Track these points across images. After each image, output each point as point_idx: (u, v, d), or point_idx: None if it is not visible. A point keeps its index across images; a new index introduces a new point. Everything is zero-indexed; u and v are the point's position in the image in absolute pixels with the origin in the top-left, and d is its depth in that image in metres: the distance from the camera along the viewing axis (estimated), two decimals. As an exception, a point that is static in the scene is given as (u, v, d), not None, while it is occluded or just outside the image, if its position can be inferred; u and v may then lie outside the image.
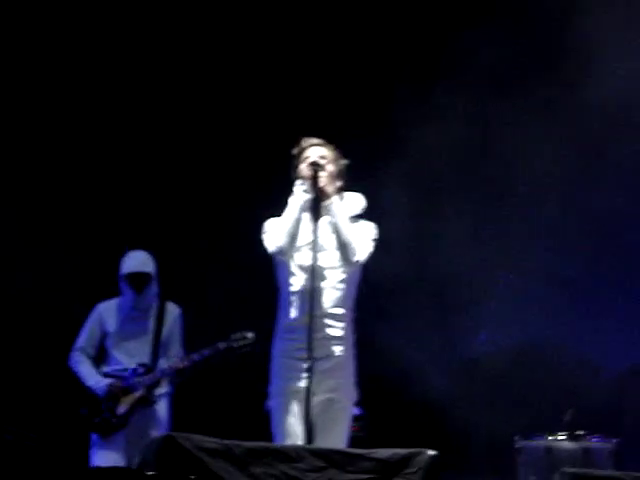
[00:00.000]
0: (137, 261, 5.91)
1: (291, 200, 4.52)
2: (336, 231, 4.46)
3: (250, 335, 5.60)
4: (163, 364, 5.84)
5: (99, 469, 4.80)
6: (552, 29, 6.74)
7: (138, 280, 5.89)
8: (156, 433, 5.57)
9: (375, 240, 4.58)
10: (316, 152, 4.58)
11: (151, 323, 5.96)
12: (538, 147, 6.70)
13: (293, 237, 4.46)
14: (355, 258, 4.46)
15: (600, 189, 6.63)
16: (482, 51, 6.61)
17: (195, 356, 5.72)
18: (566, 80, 6.56)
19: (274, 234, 4.49)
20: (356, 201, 4.67)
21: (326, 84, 7.18)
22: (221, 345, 5.63)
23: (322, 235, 4.48)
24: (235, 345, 5.60)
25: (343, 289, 4.50)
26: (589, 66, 6.36)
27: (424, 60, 7.13)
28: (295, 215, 4.46)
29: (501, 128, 6.76)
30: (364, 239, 4.53)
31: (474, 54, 6.66)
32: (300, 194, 4.47)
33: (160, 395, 5.86)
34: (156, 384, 5.80)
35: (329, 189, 4.50)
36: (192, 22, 7.26)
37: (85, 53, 7.18)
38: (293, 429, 4.28)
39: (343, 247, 4.45)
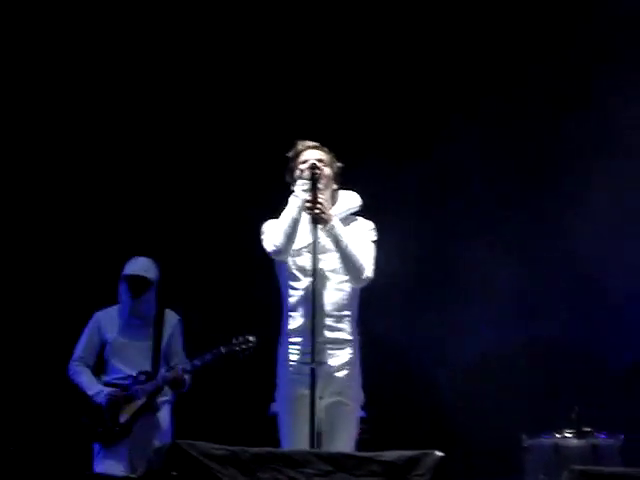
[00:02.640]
0: (139, 265, 5.88)
1: (290, 200, 4.47)
2: (342, 255, 4.40)
3: (252, 339, 5.57)
4: (164, 372, 5.80)
5: (101, 477, 4.80)
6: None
7: (137, 284, 5.84)
8: (159, 441, 5.55)
9: (375, 242, 4.54)
10: (313, 155, 4.56)
11: (150, 331, 5.92)
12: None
13: (290, 237, 4.42)
14: (364, 276, 4.43)
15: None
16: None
17: (197, 362, 5.69)
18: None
19: (272, 235, 4.45)
20: (352, 199, 4.64)
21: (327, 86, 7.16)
22: (223, 349, 5.59)
23: (322, 237, 4.43)
24: (237, 349, 5.56)
25: (347, 290, 4.47)
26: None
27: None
28: (293, 215, 4.42)
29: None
30: (368, 251, 4.49)
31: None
32: (299, 194, 4.44)
33: (162, 402, 5.83)
34: (158, 391, 5.76)
35: (327, 214, 4.42)
36: (198, 23, 7.21)
37: (87, 56, 7.14)
38: (300, 434, 4.23)
39: (351, 269, 4.41)
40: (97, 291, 6.26)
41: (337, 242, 4.40)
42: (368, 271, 4.44)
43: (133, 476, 5.10)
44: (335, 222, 4.42)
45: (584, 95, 6.70)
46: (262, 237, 4.54)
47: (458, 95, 7.06)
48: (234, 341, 5.58)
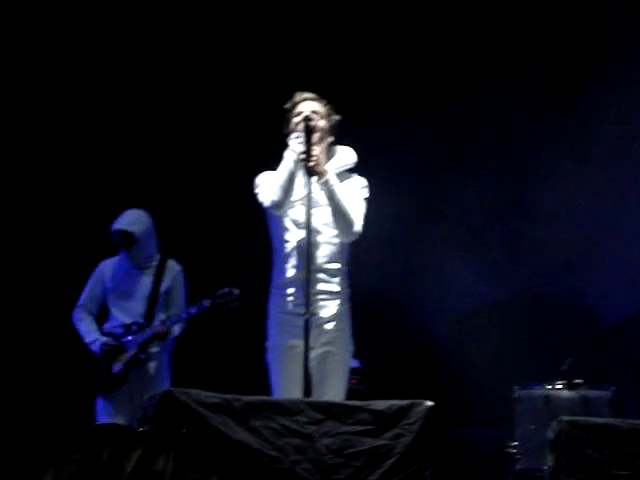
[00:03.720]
0: (125, 219, 5.88)
1: (285, 153, 4.48)
2: (334, 209, 4.41)
3: (236, 291, 5.62)
4: (157, 322, 5.83)
5: (100, 426, 4.84)
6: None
7: (125, 238, 5.87)
8: (155, 389, 5.57)
9: (367, 199, 4.54)
10: (308, 106, 4.54)
11: (149, 280, 5.94)
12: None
13: (288, 190, 4.41)
14: (353, 230, 4.44)
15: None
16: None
17: (183, 314, 5.74)
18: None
19: (268, 188, 4.45)
20: (348, 155, 4.62)
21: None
22: (206, 302, 5.64)
23: (316, 190, 4.44)
24: (221, 301, 5.61)
25: (338, 243, 4.49)
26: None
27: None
28: (290, 168, 4.41)
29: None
30: (359, 207, 4.49)
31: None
32: (294, 147, 4.43)
33: (155, 352, 5.85)
34: (148, 342, 5.78)
35: (322, 166, 4.41)
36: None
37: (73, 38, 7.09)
38: (291, 382, 4.28)
39: (341, 224, 4.42)
40: (102, 242, 6.28)
41: (330, 195, 4.40)
42: (357, 226, 4.45)
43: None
44: (330, 176, 4.41)
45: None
46: (256, 190, 4.53)
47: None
48: (218, 293, 5.62)
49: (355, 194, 4.52)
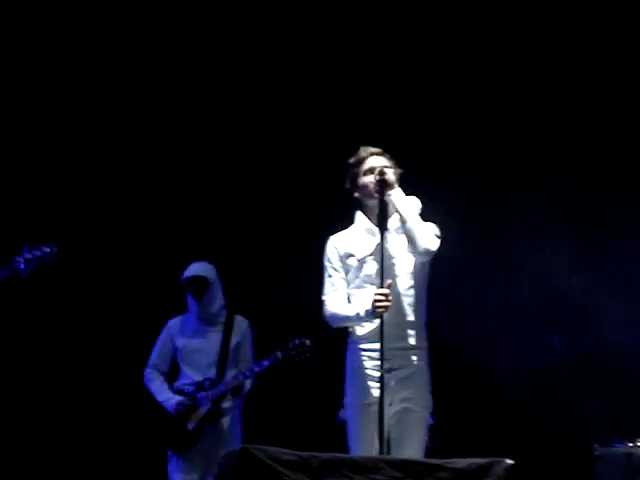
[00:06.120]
0: (196, 267, 5.96)
1: (355, 307, 4.41)
2: (404, 218, 4.38)
3: (308, 342, 5.60)
4: (230, 378, 5.84)
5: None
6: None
7: (197, 285, 5.92)
8: (228, 446, 5.58)
9: (439, 237, 4.49)
10: (378, 162, 4.55)
11: (219, 336, 5.97)
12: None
13: (343, 325, 4.49)
14: (425, 245, 4.36)
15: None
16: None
17: (255, 367, 5.73)
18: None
19: (333, 307, 4.47)
20: (414, 203, 4.60)
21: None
22: (279, 354, 5.62)
23: (388, 243, 4.42)
24: (293, 353, 5.59)
25: (413, 295, 4.45)
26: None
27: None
28: (359, 318, 4.36)
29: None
30: (431, 230, 4.45)
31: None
32: (374, 305, 4.28)
33: (228, 408, 5.85)
34: (222, 398, 5.79)
35: (395, 181, 4.44)
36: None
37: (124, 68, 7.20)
38: (369, 440, 4.22)
39: (412, 234, 4.37)
40: (171, 300, 6.32)
41: (402, 207, 4.39)
42: (429, 243, 4.37)
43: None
44: (399, 191, 4.43)
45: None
46: (325, 299, 4.53)
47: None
48: (290, 345, 5.60)
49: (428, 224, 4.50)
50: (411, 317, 4.43)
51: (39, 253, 5.15)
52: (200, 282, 5.92)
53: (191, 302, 6.00)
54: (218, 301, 6.01)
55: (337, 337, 4.63)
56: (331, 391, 4.90)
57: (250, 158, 7.29)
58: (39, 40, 7.01)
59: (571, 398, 6.48)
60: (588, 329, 6.70)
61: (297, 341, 5.60)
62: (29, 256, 5.12)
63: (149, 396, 5.99)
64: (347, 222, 4.64)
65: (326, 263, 4.56)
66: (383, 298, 4.24)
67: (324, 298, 4.53)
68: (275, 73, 7.19)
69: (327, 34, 7.04)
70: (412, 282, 4.46)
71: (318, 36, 7.04)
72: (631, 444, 5.47)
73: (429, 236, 4.39)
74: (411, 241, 4.39)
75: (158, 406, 5.90)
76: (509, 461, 3.50)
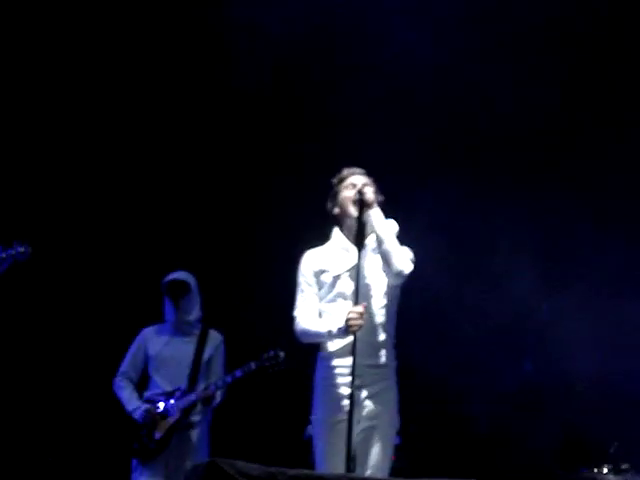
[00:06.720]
0: (177, 273, 5.99)
1: (327, 323, 4.43)
2: (381, 239, 4.41)
3: (282, 354, 5.59)
4: (200, 389, 5.82)
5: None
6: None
7: (177, 289, 5.93)
8: (195, 458, 5.57)
9: (413, 261, 4.52)
10: (359, 180, 4.58)
11: (192, 348, 5.96)
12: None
13: (312, 341, 4.50)
14: (400, 267, 4.39)
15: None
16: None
17: (228, 378, 5.72)
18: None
19: (304, 321, 4.48)
20: (391, 225, 4.64)
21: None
22: (253, 365, 5.61)
23: (364, 262, 4.44)
24: (267, 364, 5.59)
25: (385, 314, 4.48)
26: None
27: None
28: (331, 335, 4.38)
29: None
30: (406, 254, 4.49)
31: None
32: (349, 323, 4.29)
33: (197, 422, 5.84)
34: (192, 407, 5.78)
35: (374, 201, 4.48)
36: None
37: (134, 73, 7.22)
38: (336, 457, 4.22)
39: (388, 256, 4.40)
40: (147, 309, 6.30)
41: (379, 228, 4.42)
42: (404, 265, 4.40)
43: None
44: (378, 211, 4.46)
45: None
46: (295, 314, 4.54)
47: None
48: (264, 356, 5.60)
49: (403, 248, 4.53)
50: (382, 336, 4.45)
51: (13, 252, 5.12)
52: (181, 286, 5.94)
53: (169, 308, 5.99)
54: (196, 311, 6.01)
55: (306, 352, 4.64)
56: (299, 406, 4.89)
57: (223, 176, 7.31)
58: (35, 42, 7.04)
59: (538, 421, 6.51)
60: (557, 353, 6.75)
61: (271, 353, 5.60)
62: (3, 255, 5.10)
63: (117, 403, 5.95)
64: (323, 239, 4.66)
65: (300, 278, 4.58)
66: (357, 316, 4.25)
67: (295, 314, 4.54)
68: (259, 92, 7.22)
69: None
70: (385, 301, 4.49)
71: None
72: (596, 470, 5.50)
73: (404, 259, 4.42)
74: (386, 262, 4.42)
75: (125, 414, 5.87)
76: (474, 483, 3.51)
